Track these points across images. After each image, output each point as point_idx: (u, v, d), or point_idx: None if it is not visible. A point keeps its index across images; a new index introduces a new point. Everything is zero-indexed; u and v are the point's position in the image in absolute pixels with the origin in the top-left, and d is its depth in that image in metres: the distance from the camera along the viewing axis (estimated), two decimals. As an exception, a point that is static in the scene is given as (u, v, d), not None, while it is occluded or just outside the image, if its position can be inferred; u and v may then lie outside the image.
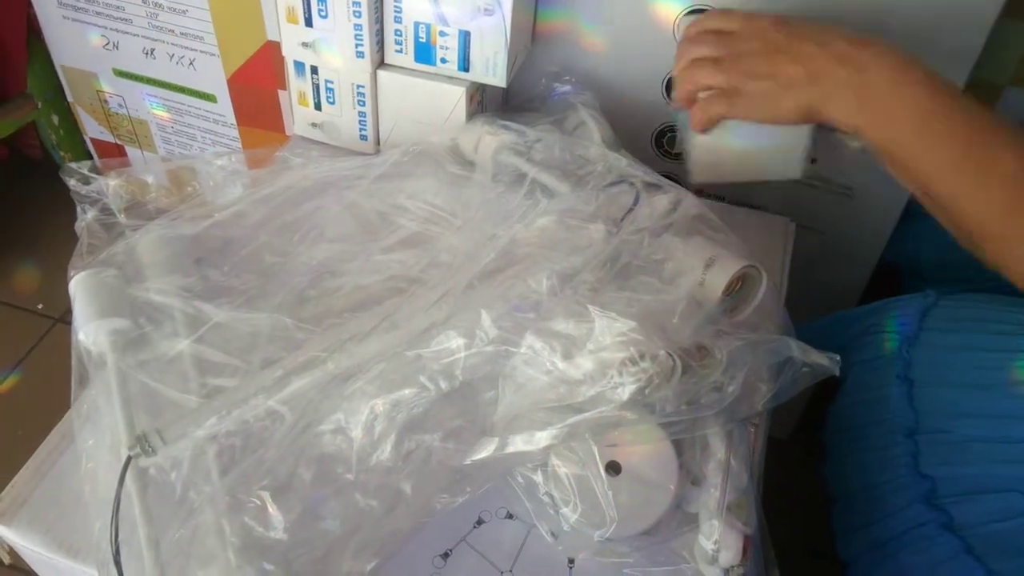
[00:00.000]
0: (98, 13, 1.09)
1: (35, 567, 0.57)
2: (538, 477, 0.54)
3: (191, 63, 1.10)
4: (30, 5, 1.12)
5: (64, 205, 1.32)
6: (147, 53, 1.11)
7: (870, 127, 0.56)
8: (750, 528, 0.52)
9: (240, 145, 1.18)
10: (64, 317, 1.20)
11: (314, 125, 0.83)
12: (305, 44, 0.77)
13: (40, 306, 1.21)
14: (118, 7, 1.07)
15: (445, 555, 0.53)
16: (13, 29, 1.15)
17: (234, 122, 1.15)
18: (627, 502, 0.52)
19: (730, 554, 0.51)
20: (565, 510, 0.52)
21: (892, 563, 0.61)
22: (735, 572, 0.52)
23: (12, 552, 0.55)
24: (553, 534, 0.54)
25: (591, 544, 0.53)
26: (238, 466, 0.51)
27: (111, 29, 1.10)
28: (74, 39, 1.14)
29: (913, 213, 0.83)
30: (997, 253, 0.54)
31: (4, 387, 1.12)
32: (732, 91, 0.59)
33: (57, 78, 1.21)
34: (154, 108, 1.18)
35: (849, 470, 0.67)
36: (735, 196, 0.89)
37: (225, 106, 1.13)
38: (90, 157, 1.33)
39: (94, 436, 0.53)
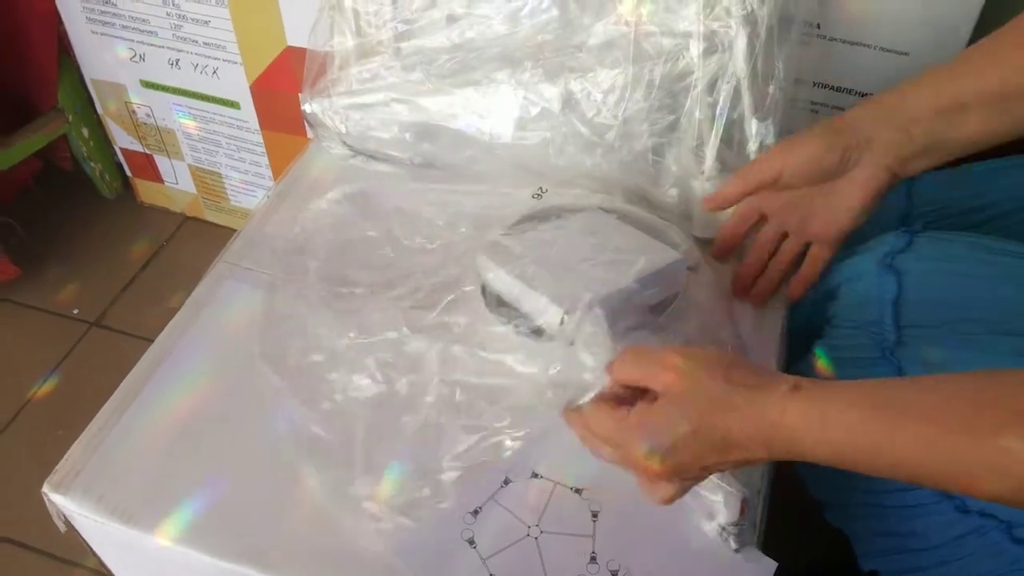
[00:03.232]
0: (124, 27, 1.13)
1: (88, 536, 0.60)
2: None
3: (215, 72, 1.14)
4: (60, 22, 1.17)
5: (96, 215, 1.37)
6: (172, 64, 1.16)
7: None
8: (747, 489, 0.55)
9: (264, 150, 1.22)
10: (99, 321, 1.24)
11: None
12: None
13: (76, 311, 1.25)
14: (144, 20, 1.11)
15: (475, 512, 0.56)
16: (45, 46, 1.19)
17: (258, 127, 1.19)
18: None
19: (729, 512, 0.54)
20: None
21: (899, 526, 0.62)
22: (730, 530, 0.54)
23: (67, 521, 0.58)
24: None
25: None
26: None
27: (137, 42, 1.15)
28: (103, 53, 1.18)
29: None
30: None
31: (43, 390, 1.16)
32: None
33: (86, 92, 1.26)
34: (181, 117, 1.23)
35: None
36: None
37: (248, 112, 1.17)
38: (120, 167, 1.37)
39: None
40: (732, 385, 0.48)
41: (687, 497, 0.54)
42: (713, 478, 0.54)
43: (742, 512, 0.54)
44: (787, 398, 0.46)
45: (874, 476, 0.46)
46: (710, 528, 0.55)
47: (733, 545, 0.54)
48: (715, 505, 0.54)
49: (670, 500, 0.51)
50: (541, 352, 0.60)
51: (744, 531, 0.54)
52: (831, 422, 0.45)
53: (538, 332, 0.60)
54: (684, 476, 0.50)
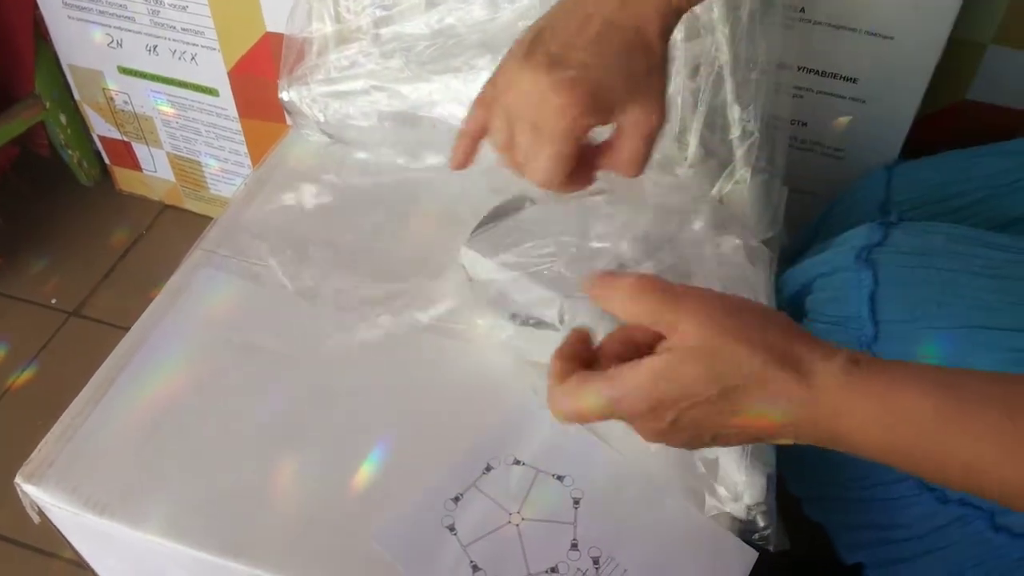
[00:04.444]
0: (102, 12, 1.11)
1: (63, 528, 0.59)
2: None
3: (193, 58, 1.13)
4: (36, 7, 1.15)
5: (74, 203, 1.36)
6: (150, 50, 1.14)
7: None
8: (771, 468, 0.55)
9: (243, 138, 1.20)
10: (78, 311, 1.23)
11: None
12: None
13: (54, 300, 1.24)
14: (121, 5, 1.10)
15: (456, 499, 0.55)
16: (21, 31, 1.17)
17: (236, 115, 1.17)
18: None
19: (755, 492, 0.53)
20: None
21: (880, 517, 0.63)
22: (758, 509, 0.54)
23: (41, 512, 0.57)
24: None
25: None
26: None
27: (115, 27, 1.13)
28: (80, 38, 1.16)
29: None
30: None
31: (22, 380, 1.15)
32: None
33: (63, 78, 1.24)
34: (158, 104, 1.21)
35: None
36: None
37: (227, 99, 1.16)
38: (98, 155, 1.36)
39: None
40: (772, 355, 0.40)
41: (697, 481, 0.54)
42: (735, 457, 0.54)
43: (767, 491, 0.54)
44: (842, 382, 0.39)
45: (920, 476, 0.40)
46: (736, 509, 0.54)
47: (761, 523, 0.54)
48: (740, 486, 0.54)
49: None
50: (543, 340, 0.59)
51: (771, 510, 0.54)
52: (896, 412, 0.38)
53: (537, 323, 0.60)
54: (689, 441, 0.43)
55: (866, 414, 0.39)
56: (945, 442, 0.38)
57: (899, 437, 0.39)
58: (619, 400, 0.42)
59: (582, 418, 0.44)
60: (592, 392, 0.42)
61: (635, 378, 0.41)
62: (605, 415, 0.43)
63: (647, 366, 0.41)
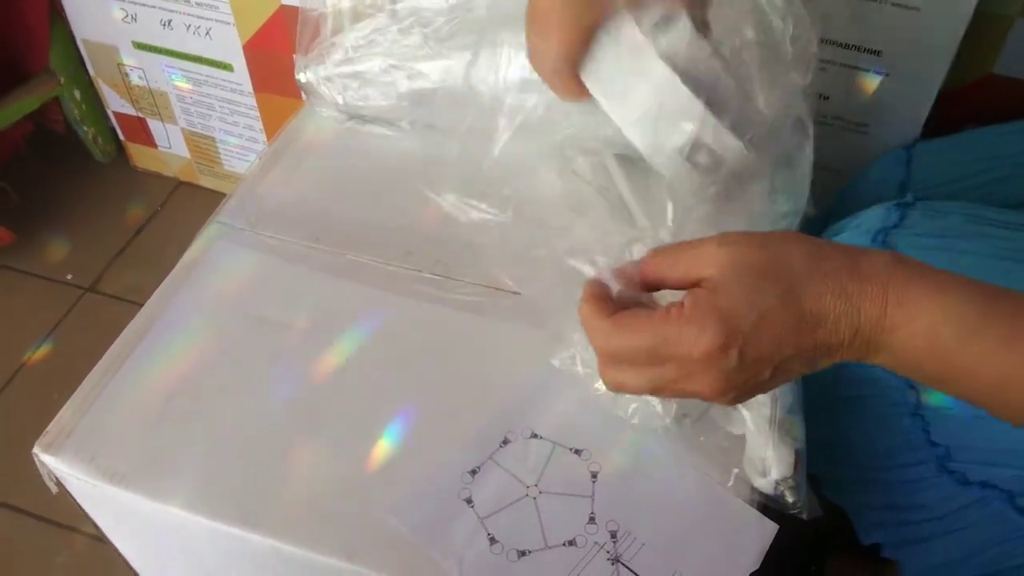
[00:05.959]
0: (116, -15, 1.11)
1: (80, 498, 0.60)
2: None
3: (207, 32, 1.12)
4: (50, -19, 1.15)
5: (89, 179, 1.36)
6: (165, 24, 1.13)
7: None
8: (799, 443, 0.54)
9: (258, 114, 1.20)
10: (93, 286, 1.23)
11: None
12: None
13: (69, 276, 1.24)
14: (135, -21, 1.09)
15: (473, 472, 0.55)
16: (36, 6, 1.17)
17: (251, 90, 1.17)
18: None
19: (783, 467, 0.53)
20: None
21: (903, 500, 0.62)
22: (786, 484, 0.53)
23: (59, 482, 0.58)
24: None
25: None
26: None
27: (129, 2, 1.12)
28: (94, 13, 1.16)
29: None
30: None
31: (38, 355, 1.15)
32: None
33: (78, 54, 1.24)
34: (174, 79, 1.21)
35: (841, 425, 0.67)
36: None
37: (242, 74, 1.15)
38: (113, 131, 1.36)
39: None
40: (820, 246, 0.40)
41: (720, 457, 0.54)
42: (766, 435, 0.53)
43: (796, 466, 0.53)
44: (893, 266, 0.39)
45: (956, 389, 0.40)
46: (764, 484, 0.54)
47: (790, 499, 0.54)
48: (767, 461, 0.53)
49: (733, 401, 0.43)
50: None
51: (800, 485, 0.54)
52: (941, 310, 0.38)
53: None
54: (746, 385, 0.41)
55: (912, 308, 0.38)
56: (984, 348, 0.38)
57: (940, 338, 0.38)
58: (678, 335, 0.39)
59: (630, 361, 0.41)
60: (645, 328, 0.40)
61: (695, 304, 0.39)
62: (658, 358, 0.40)
63: (701, 290, 0.40)
